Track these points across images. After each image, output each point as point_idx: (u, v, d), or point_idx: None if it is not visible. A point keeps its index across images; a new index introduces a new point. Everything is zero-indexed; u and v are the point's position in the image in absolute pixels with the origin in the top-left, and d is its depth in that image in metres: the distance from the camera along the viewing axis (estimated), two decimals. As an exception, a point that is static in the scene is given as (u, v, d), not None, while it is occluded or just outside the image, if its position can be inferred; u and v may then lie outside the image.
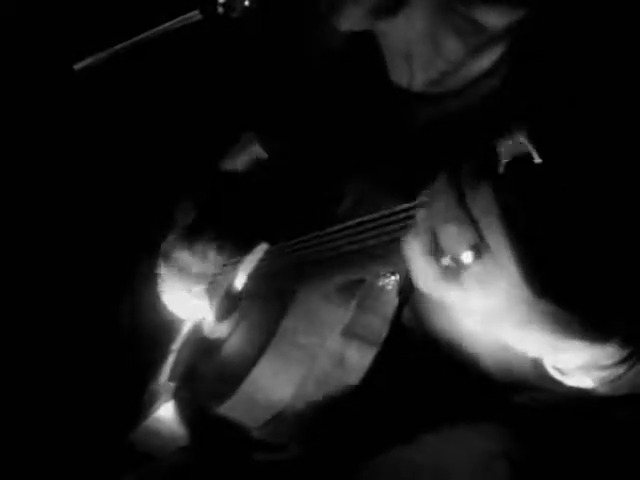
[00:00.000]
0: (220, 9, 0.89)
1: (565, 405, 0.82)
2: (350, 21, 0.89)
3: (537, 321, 0.62)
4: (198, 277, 1.09)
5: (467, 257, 0.61)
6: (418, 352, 0.90)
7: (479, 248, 0.61)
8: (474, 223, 0.61)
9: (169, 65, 1.40)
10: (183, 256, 1.09)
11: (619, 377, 0.67)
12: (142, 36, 0.91)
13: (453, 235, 0.61)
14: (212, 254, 1.08)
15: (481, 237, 0.61)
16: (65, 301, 1.47)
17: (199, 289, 1.10)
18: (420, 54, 0.91)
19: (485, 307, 0.63)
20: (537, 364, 0.71)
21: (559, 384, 0.72)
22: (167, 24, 0.90)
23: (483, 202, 0.60)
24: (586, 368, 0.67)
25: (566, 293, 0.60)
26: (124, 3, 1.39)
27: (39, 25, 1.44)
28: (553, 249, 0.59)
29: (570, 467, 0.78)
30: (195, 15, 0.89)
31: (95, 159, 1.52)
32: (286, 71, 1.12)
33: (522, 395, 0.86)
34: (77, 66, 0.93)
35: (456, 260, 0.62)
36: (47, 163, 1.49)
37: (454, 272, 0.63)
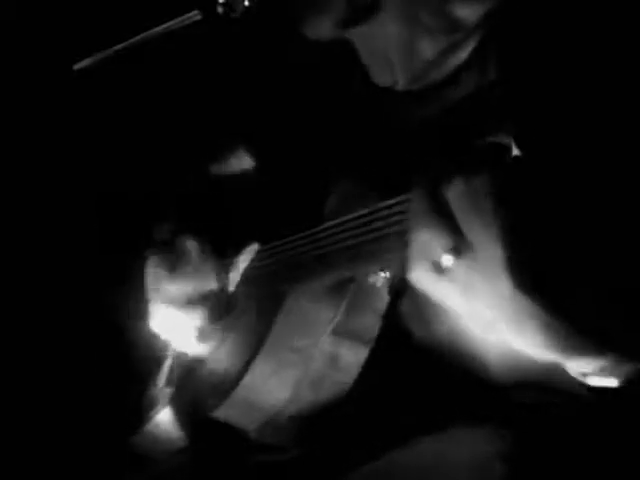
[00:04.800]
0: (220, 9, 0.89)
1: (565, 404, 0.81)
2: (317, 31, 0.88)
3: (530, 323, 0.61)
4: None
5: (447, 260, 0.62)
6: (416, 352, 0.89)
7: (458, 249, 0.61)
8: (453, 221, 0.61)
9: (169, 65, 1.40)
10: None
11: None
12: (142, 36, 0.91)
13: (427, 242, 0.62)
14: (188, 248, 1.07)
15: (461, 235, 0.61)
16: (64, 305, 1.47)
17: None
18: (398, 58, 0.91)
19: (474, 305, 0.63)
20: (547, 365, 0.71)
21: (568, 385, 0.72)
22: (167, 24, 0.90)
23: (462, 198, 0.61)
24: (603, 371, 0.66)
25: (552, 295, 0.60)
26: (124, 3, 1.39)
27: (39, 25, 1.43)
28: (536, 243, 0.59)
29: (568, 468, 0.78)
30: (195, 15, 0.89)
31: (94, 159, 1.51)
32: (283, 71, 1.12)
33: (521, 395, 0.86)
34: (77, 66, 0.93)
35: (437, 265, 0.62)
36: (46, 163, 1.49)
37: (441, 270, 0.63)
